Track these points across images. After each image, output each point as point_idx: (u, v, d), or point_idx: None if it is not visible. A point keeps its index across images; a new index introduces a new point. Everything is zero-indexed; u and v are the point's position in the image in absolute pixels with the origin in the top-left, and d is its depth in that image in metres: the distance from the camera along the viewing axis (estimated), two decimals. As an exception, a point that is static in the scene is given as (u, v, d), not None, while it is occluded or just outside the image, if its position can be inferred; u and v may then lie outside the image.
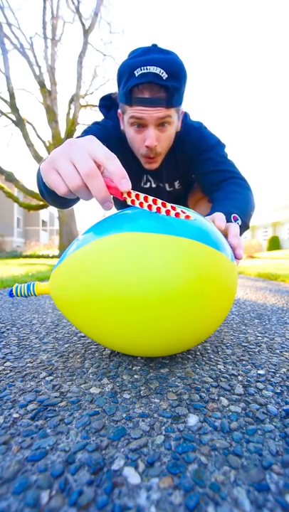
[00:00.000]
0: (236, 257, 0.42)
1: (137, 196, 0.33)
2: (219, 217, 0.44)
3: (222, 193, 0.65)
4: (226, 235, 0.44)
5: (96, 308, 0.31)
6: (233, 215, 0.54)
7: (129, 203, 0.33)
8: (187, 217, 0.32)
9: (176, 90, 0.58)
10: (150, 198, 0.33)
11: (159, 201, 0.33)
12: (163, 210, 0.33)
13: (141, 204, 0.33)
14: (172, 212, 0.33)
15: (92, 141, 0.32)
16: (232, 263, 0.34)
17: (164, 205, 0.33)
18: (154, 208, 0.33)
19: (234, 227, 0.44)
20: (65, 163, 0.31)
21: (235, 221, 0.54)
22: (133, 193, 0.32)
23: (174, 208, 0.32)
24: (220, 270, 0.32)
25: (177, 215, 0.32)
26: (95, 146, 0.31)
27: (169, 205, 0.33)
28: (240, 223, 0.55)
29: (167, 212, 0.33)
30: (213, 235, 0.33)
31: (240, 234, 0.56)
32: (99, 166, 0.33)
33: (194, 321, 0.32)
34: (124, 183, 0.31)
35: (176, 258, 0.29)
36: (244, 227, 0.58)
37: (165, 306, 0.29)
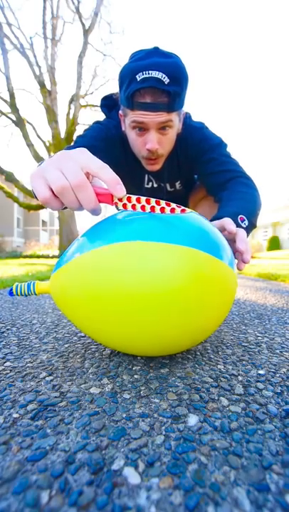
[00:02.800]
0: (244, 261, 0.43)
1: (129, 199, 0.33)
2: (228, 222, 0.45)
3: (228, 193, 0.65)
4: (234, 239, 0.44)
5: (97, 308, 0.32)
6: (240, 216, 0.55)
7: (120, 207, 0.33)
8: (183, 210, 0.33)
9: (177, 95, 0.58)
10: (143, 199, 0.33)
11: (153, 200, 0.33)
12: (157, 208, 0.33)
13: (133, 207, 0.33)
14: (167, 209, 0.33)
15: (84, 152, 0.32)
16: (230, 269, 0.34)
17: (157, 203, 0.33)
18: (147, 208, 0.33)
19: (241, 233, 0.45)
20: (54, 171, 0.31)
21: (242, 222, 0.54)
22: (125, 197, 0.33)
23: (168, 205, 0.33)
24: (216, 276, 0.32)
25: (173, 210, 0.33)
26: (86, 157, 0.32)
27: (163, 203, 0.33)
28: (247, 224, 0.55)
29: (162, 209, 0.33)
30: (211, 241, 0.33)
31: (248, 234, 0.57)
32: (88, 176, 0.33)
33: (190, 324, 0.32)
34: (119, 189, 0.31)
35: (173, 266, 0.30)
36: (251, 227, 0.58)
37: (163, 309, 0.30)
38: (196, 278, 0.30)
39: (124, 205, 0.33)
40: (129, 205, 0.33)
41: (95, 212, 0.33)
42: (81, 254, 0.32)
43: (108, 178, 0.31)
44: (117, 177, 0.31)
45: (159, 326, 0.31)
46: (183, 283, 0.29)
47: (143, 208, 0.33)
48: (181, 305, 0.30)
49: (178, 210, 0.33)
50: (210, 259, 0.31)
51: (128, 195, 0.33)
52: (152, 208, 0.33)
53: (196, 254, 0.30)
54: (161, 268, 0.29)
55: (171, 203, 0.33)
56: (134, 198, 0.33)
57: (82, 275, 0.32)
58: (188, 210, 0.33)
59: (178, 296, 0.30)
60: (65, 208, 0.35)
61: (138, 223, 0.32)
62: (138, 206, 0.33)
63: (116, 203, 0.33)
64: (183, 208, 0.33)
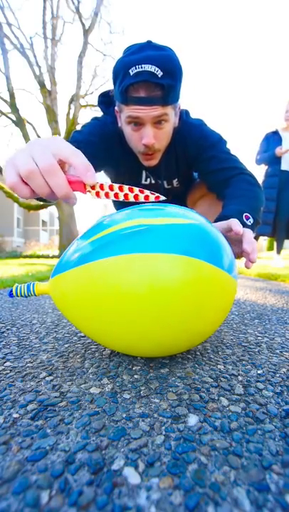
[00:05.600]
0: (251, 261, 0.45)
1: (102, 187, 0.32)
2: (235, 223, 0.45)
3: (231, 190, 0.65)
4: (240, 240, 0.45)
5: (98, 313, 0.32)
6: (244, 214, 0.55)
7: (93, 195, 0.33)
8: (157, 197, 0.33)
9: (171, 88, 0.58)
10: (116, 186, 0.33)
11: (126, 187, 0.33)
12: (131, 195, 0.33)
13: (107, 195, 0.33)
14: (141, 196, 0.33)
15: (56, 139, 0.32)
16: (228, 275, 0.34)
17: (130, 190, 0.33)
18: (120, 195, 0.33)
19: (248, 234, 0.45)
20: (23, 156, 0.30)
21: (247, 220, 0.55)
22: (97, 185, 0.32)
23: (142, 191, 0.33)
24: (213, 283, 0.32)
25: (146, 197, 0.33)
26: (57, 143, 0.31)
27: (136, 190, 0.33)
28: (252, 221, 0.56)
29: (135, 196, 0.33)
30: (209, 249, 0.33)
31: (253, 230, 0.57)
32: (62, 165, 0.33)
33: (187, 329, 0.33)
34: (90, 176, 0.31)
35: (172, 274, 0.30)
36: (255, 224, 0.59)
37: (162, 314, 0.31)
38: (193, 286, 0.31)
39: (98, 193, 0.32)
40: (102, 193, 0.33)
41: (70, 200, 0.33)
42: (83, 265, 0.32)
43: (79, 163, 0.30)
44: (89, 163, 0.31)
45: (158, 330, 0.32)
46: (180, 290, 0.30)
47: (116, 195, 0.33)
48: (179, 311, 0.31)
49: (152, 197, 0.33)
50: (207, 267, 0.32)
51: (100, 182, 0.32)
52: (126, 196, 0.33)
53: (194, 263, 0.31)
54: (162, 277, 0.30)
55: (145, 190, 0.33)
56: (106, 185, 0.33)
57: (84, 284, 0.32)
58: (162, 197, 0.33)
59: (176, 303, 0.31)
60: (42, 199, 0.35)
61: (139, 235, 0.31)
62: (111, 194, 0.33)
63: (89, 191, 0.32)
64: (157, 195, 0.33)
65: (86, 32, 6.53)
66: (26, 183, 0.32)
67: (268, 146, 2.34)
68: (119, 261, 0.30)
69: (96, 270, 0.31)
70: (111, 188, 0.33)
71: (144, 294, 0.30)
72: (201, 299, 0.32)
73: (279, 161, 2.28)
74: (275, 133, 2.32)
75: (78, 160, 0.31)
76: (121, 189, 0.33)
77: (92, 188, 0.32)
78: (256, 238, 2.51)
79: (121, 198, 0.33)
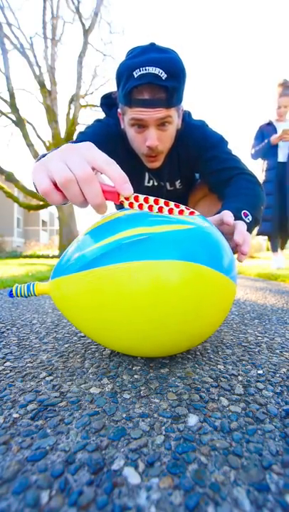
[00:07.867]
0: (242, 253, 0.43)
1: (136, 198, 0.32)
2: (227, 214, 0.45)
3: (232, 189, 0.65)
4: (232, 232, 0.44)
5: (99, 315, 0.32)
6: (243, 211, 0.55)
7: (126, 206, 0.32)
8: (192, 213, 0.32)
9: (175, 90, 0.58)
10: (151, 199, 0.32)
11: (161, 200, 0.32)
12: (165, 209, 0.32)
13: (140, 206, 0.32)
14: (176, 210, 0.32)
15: (90, 147, 0.31)
16: (227, 279, 0.35)
17: (166, 204, 0.32)
18: (155, 208, 0.33)
19: (240, 225, 0.45)
20: (58, 163, 0.30)
21: (245, 217, 0.54)
22: (132, 196, 0.32)
23: (177, 206, 0.32)
24: (213, 287, 0.33)
25: (181, 212, 0.32)
26: (93, 152, 0.31)
27: (171, 204, 0.32)
28: (250, 219, 0.55)
29: (170, 211, 0.33)
30: (209, 254, 0.33)
31: (252, 229, 0.57)
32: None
33: (187, 330, 0.34)
34: (127, 188, 0.30)
35: (174, 279, 0.31)
36: (254, 222, 0.58)
37: (163, 317, 0.31)
38: (193, 289, 0.31)
39: (131, 204, 0.32)
40: (136, 205, 0.32)
41: (101, 209, 0.32)
42: (86, 271, 0.32)
43: (115, 175, 0.30)
44: (125, 175, 0.30)
45: (158, 332, 0.33)
46: (180, 295, 0.31)
47: (150, 208, 0.32)
48: (179, 314, 0.32)
49: (186, 212, 0.32)
50: (206, 270, 0.32)
51: (135, 194, 0.32)
52: (160, 209, 0.33)
53: (193, 267, 0.31)
54: (162, 282, 0.31)
55: (181, 205, 0.33)
56: (141, 197, 0.32)
57: (87, 289, 0.32)
58: (196, 212, 0.33)
59: (176, 306, 0.31)
60: (65, 203, 0.34)
61: (140, 244, 0.31)
62: (145, 206, 0.32)
63: (122, 201, 0.32)
64: (192, 210, 0.33)
65: (86, 32, 6.53)
66: (59, 190, 0.31)
67: (262, 138, 2.11)
68: (122, 268, 0.31)
69: (98, 276, 0.31)
70: (146, 200, 0.32)
71: (146, 298, 0.31)
72: (201, 302, 0.32)
73: (276, 152, 2.05)
74: (270, 124, 2.11)
75: (114, 171, 0.30)
76: (156, 202, 0.32)
77: (126, 198, 0.32)
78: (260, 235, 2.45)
79: (155, 211, 0.32)
